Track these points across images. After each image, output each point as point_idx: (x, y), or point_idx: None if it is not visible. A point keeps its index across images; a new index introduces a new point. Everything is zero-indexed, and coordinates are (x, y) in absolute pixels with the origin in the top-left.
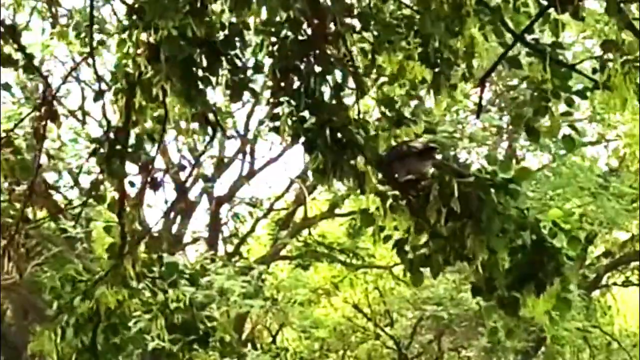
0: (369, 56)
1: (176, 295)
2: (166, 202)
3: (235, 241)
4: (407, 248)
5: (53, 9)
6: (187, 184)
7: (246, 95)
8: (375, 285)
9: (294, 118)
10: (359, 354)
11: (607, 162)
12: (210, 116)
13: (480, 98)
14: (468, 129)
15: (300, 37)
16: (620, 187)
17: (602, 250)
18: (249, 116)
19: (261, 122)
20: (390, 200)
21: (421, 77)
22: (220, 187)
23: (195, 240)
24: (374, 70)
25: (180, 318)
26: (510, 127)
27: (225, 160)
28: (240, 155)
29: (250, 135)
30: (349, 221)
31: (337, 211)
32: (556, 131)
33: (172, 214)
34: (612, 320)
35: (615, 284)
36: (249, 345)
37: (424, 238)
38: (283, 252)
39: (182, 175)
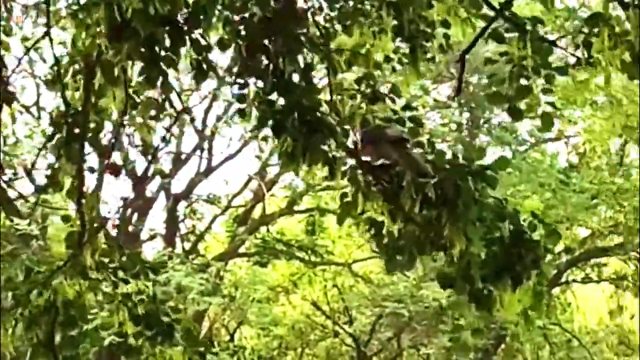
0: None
1: (138, 287)
2: (123, 198)
3: (193, 238)
4: (384, 232)
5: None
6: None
7: (204, 90)
8: (334, 283)
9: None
10: (318, 352)
11: (567, 159)
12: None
13: (461, 74)
14: (428, 125)
15: (267, 15)
16: (580, 183)
17: (562, 246)
18: (206, 112)
19: (219, 118)
20: (362, 186)
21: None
22: (178, 184)
23: (152, 237)
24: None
25: (142, 310)
26: (470, 123)
27: (183, 156)
28: (198, 152)
29: (207, 132)
30: (307, 218)
31: (295, 208)
32: (535, 108)
33: (128, 211)
34: (572, 317)
35: (575, 280)
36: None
37: (398, 225)
38: (241, 250)
39: (139, 171)
